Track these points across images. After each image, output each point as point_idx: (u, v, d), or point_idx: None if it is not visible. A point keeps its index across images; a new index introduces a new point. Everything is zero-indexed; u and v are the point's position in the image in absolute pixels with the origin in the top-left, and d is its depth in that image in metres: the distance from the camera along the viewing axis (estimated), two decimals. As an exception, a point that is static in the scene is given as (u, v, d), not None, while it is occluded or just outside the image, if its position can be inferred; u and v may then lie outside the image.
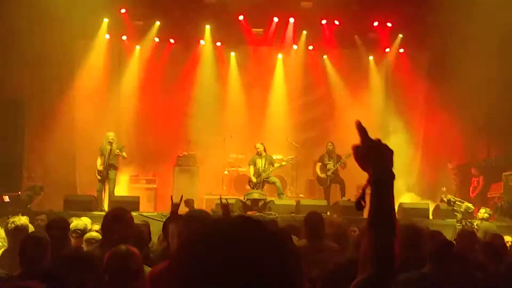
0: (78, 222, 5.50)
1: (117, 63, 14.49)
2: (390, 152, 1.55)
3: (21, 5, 12.01)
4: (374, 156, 1.54)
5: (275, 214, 9.87)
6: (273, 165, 11.78)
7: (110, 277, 3.02)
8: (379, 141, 1.55)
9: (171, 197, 4.19)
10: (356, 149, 1.58)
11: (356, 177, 13.17)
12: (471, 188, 12.83)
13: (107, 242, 3.59)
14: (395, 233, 1.48)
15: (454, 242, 5.31)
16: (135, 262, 3.09)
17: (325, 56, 15.06)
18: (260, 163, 11.71)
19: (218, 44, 14.80)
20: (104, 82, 14.10)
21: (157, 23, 14.16)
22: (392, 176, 1.53)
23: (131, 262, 3.07)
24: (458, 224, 8.90)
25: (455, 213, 9.26)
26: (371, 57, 14.93)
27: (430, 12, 12.95)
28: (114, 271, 3.03)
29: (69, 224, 5.30)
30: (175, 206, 3.94)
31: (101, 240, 4.03)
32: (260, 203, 10.80)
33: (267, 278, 1.02)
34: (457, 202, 9.33)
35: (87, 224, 5.55)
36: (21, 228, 4.63)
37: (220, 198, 4.91)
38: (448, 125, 13.33)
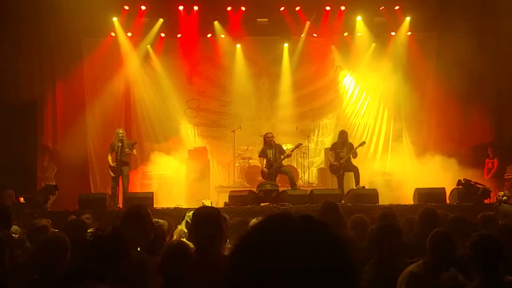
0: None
1: (124, 59, 14.45)
2: None
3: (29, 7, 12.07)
4: None
5: (289, 205, 9.87)
6: (283, 154, 11.76)
7: None
8: None
9: None
10: None
11: (367, 164, 13.21)
12: (485, 170, 12.72)
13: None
14: None
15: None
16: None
17: (332, 46, 14.93)
18: (271, 153, 11.68)
19: (222, 36, 14.72)
20: (113, 80, 14.11)
21: (161, 20, 14.14)
22: None
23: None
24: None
25: (473, 196, 9.17)
26: (373, 44, 14.73)
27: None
28: None
29: (85, 225, 5.35)
30: None
31: None
32: (273, 194, 10.80)
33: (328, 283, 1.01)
34: (476, 185, 9.24)
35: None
36: (42, 229, 4.66)
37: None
38: (458, 107, 13.25)
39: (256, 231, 1.09)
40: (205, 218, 3.51)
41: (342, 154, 11.70)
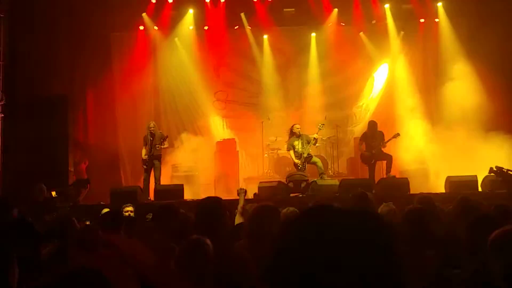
0: None
1: (152, 52, 14.57)
2: None
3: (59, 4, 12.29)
4: None
5: (319, 195, 9.80)
6: (310, 143, 11.70)
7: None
8: None
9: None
10: None
11: (398, 154, 13.02)
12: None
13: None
14: None
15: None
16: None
17: (361, 33, 14.69)
18: (298, 145, 11.62)
19: (249, 28, 14.67)
20: (142, 73, 14.21)
21: (189, 12, 14.20)
22: None
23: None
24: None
25: (506, 183, 8.91)
26: (402, 32, 14.46)
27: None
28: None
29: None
30: None
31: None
32: (303, 185, 10.75)
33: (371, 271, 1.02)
34: (508, 172, 8.97)
35: None
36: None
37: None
38: (494, 92, 12.90)
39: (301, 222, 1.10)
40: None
41: (373, 144, 11.57)
